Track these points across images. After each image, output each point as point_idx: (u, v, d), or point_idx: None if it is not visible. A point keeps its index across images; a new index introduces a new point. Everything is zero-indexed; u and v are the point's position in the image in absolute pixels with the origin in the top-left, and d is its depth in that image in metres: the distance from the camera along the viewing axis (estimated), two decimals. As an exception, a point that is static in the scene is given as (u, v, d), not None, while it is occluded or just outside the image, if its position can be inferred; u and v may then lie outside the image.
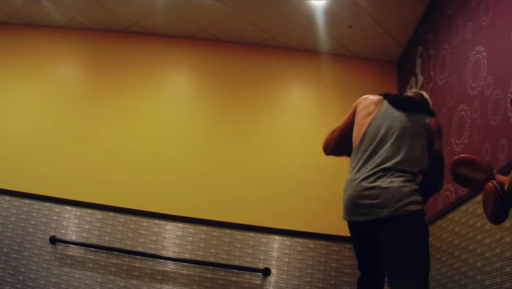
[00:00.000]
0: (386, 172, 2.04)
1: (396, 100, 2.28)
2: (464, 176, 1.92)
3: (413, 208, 1.97)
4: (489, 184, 1.73)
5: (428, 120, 2.21)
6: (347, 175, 2.24)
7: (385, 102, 2.27)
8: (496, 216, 1.75)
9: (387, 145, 2.11)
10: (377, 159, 2.09)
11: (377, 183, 2.01)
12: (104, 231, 4.16)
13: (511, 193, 1.64)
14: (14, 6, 4.67)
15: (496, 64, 2.58)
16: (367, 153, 2.13)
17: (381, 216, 1.97)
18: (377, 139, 2.14)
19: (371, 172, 2.06)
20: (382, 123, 2.18)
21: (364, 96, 2.38)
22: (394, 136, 2.12)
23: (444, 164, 2.20)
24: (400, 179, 2.02)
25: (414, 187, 2.03)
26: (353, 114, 2.35)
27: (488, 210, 1.75)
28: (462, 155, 1.96)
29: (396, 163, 2.05)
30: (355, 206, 2.07)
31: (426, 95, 2.42)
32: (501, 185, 1.69)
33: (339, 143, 2.41)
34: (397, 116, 2.19)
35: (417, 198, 2.01)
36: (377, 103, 2.28)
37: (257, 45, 4.82)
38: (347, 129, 2.36)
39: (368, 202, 2.02)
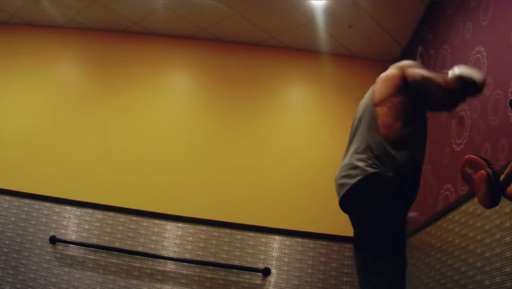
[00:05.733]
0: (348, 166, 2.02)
1: None
2: (469, 176, 1.99)
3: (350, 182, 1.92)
4: (482, 171, 1.82)
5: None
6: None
7: None
8: (486, 200, 1.84)
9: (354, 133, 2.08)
10: (347, 152, 2.08)
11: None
12: (104, 231, 4.16)
13: (503, 186, 1.74)
14: (14, 6, 4.67)
15: (496, 64, 2.58)
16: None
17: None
18: (352, 130, 2.14)
19: (342, 167, 2.05)
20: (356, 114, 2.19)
21: None
22: (355, 125, 2.11)
23: (422, 76, 2.07)
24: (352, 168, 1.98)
25: (358, 159, 1.95)
26: None
27: (480, 195, 1.84)
28: (467, 156, 2.01)
29: (353, 153, 2.02)
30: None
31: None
32: (495, 174, 1.79)
33: None
34: (361, 103, 2.18)
35: (353, 171, 1.94)
36: None
37: (257, 45, 4.82)
38: None
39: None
